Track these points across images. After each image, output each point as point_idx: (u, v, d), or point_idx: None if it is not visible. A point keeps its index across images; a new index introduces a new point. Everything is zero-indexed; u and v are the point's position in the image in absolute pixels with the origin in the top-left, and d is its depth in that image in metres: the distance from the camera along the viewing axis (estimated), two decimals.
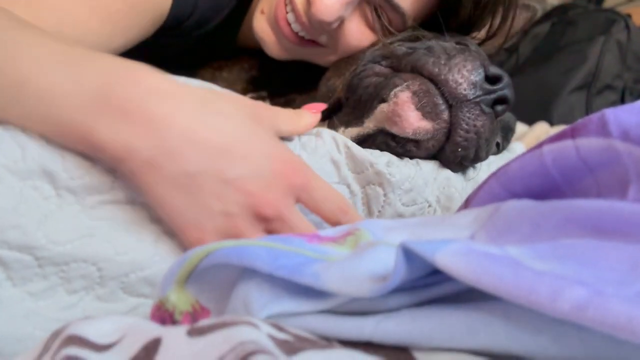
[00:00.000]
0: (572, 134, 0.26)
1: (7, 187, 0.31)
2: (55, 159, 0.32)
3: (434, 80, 0.43)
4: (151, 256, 0.34)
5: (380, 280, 0.19)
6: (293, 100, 0.67)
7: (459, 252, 0.18)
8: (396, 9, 0.54)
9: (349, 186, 0.43)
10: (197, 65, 0.74)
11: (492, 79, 0.43)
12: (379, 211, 0.44)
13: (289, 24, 0.58)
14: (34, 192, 0.32)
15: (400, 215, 0.44)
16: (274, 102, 0.70)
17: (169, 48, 0.65)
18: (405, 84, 0.44)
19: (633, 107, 0.24)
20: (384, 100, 0.46)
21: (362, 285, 0.19)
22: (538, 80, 1.07)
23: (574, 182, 0.25)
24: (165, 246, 0.35)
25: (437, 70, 0.43)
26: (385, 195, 0.43)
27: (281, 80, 0.74)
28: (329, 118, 0.54)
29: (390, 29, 0.56)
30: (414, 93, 0.43)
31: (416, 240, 0.19)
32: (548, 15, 1.23)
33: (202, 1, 0.58)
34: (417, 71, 0.44)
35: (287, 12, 0.58)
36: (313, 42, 0.60)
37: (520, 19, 0.69)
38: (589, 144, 0.25)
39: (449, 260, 0.17)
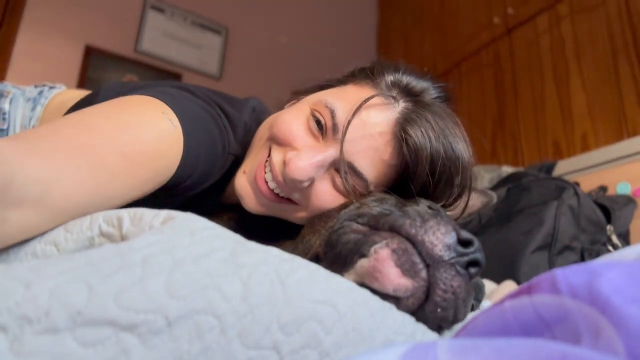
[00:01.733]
0: (528, 291, 0.28)
1: None
2: None
3: (411, 240, 0.46)
4: None
5: None
6: None
7: None
8: (359, 175, 0.61)
9: None
10: None
11: (463, 243, 0.46)
12: None
13: (266, 182, 0.64)
14: None
15: None
16: None
17: (160, 203, 0.67)
18: (385, 241, 0.46)
19: (580, 267, 0.27)
20: (364, 256, 0.47)
21: None
22: (501, 241, 1.13)
23: (534, 337, 0.26)
24: None
25: (414, 231, 0.46)
26: None
27: (257, 232, 0.77)
28: None
29: (356, 191, 0.62)
30: (394, 250, 0.45)
31: None
32: (504, 181, 1.35)
33: (201, 166, 0.62)
34: (395, 231, 0.47)
35: (265, 172, 0.64)
36: (287, 200, 0.65)
37: (477, 201, 0.77)
38: (543, 301, 0.26)
39: None
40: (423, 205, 0.57)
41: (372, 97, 0.62)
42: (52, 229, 0.46)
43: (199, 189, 0.66)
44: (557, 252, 1.06)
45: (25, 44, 2.52)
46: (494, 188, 1.35)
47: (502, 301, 0.30)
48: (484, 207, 0.80)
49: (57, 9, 2.64)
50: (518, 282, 0.95)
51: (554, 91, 2.24)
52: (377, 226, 0.50)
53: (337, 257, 0.51)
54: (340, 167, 0.61)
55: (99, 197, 0.48)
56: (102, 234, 0.45)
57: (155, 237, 0.39)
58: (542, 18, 2.38)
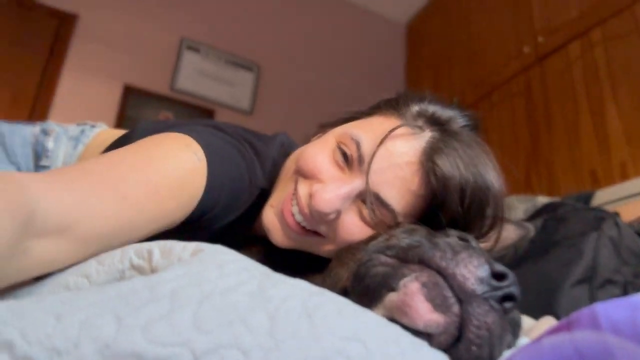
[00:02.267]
0: (568, 327, 0.26)
1: None
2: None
3: (442, 273, 0.44)
4: None
5: None
6: None
7: None
8: (386, 206, 0.60)
9: None
10: None
11: (497, 276, 0.44)
12: None
13: (293, 215, 0.64)
14: None
15: None
16: None
17: (187, 236, 0.69)
18: (414, 274, 0.45)
19: (622, 302, 0.26)
20: (392, 290, 0.46)
21: None
22: (538, 274, 1.09)
23: None
24: None
25: (444, 263, 0.44)
26: None
27: (285, 265, 0.76)
28: None
29: (384, 223, 0.61)
30: (423, 284, 0.44)
31: None
32: (539, 212, 1.31)
33: (225, 198, 0.63)
34: (424, 263, 0.46)
35: (292, 205, 0.64)
36: (314, 232, 0.65)
37: (513, 233, 0.74)
38: (584, 337, 0.25)
39: None
40: (454, 236, 0.55)
41: (398, 127, 0.62)
42: (83, 261, 0.47)
43: (224, 221, 0.67)
44: (598, 285, 1.01)
45: (68, 86, 2.66)
46: (529, 219, 1.31)
47: (540, 338, 0.28)
48: (520, 240, 0.77)
49: (98, 52, 2.79)
50: (557, 318, 0.91)
51: (588, 119, 2.19)
52: (407, 259, 0.49)
53: (365, 290, 0.50)
54: (366, 198, 0.61)
55: (122, 229, 0.49)
56: (133, 267, 0.46)
57: (184, 269, 0.40)
58: (574, 46, 2.35)
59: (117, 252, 0.47)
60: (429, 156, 0.60)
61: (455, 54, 3.27)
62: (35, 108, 2.48)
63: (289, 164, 0.70)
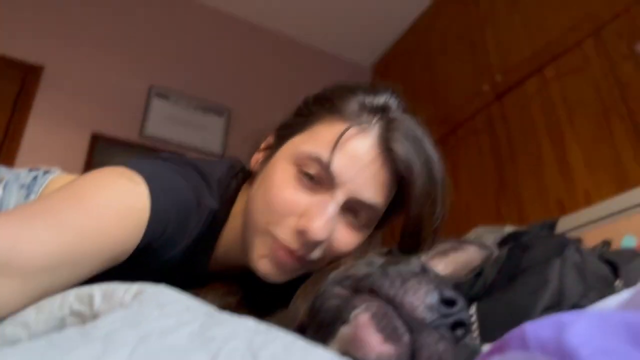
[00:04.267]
0: (500, 350, 0.26)
1: None
2: None
3: (391, 302, 0.44)
4: None
5: None
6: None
7: None
8: (369, 207, 0.64)
9: None
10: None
11: (447, 302, 0.44)
12: None
13: (291, 253, 0.63)
14: None
15: None
16: None
17: (141, 272, 0.66)
18: (364, 305, 0.45)
19: (549, 321, 0.26)
20: (345, 322, 0.46)
21: None
22: (508, 303, 1.08)
23: None
24: None
25: (392, 292, 0.44)
26: None
27: (258, 303, 0.74)
28: None
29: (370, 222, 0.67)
30: (373, 315, 0.44)
31: None
32: (504, 240, 1.32)
33: (172, 222, 0.62)
34: (375, 293, 0.46)
35: (287, 245, 0.64)
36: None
37: (477, 255, 0.75)
38: (515, 358, 0.25)
39: None
40: (416, 262, 0.55)
41: (347, 129, 0.64)
42: (23, 308, 0.45)
43: (176, 249, 0.65)
44: (566, 310, 1.01)
45: (34, 134, 2.62)
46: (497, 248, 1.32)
47: None
48: (485, 261, 0.78)
49: (65, 101, 2.78)
50: None
51: (550, 151, 2.26)
52: (359, 289, 0.49)
53: (320, 325, 0.49)
54: (348, 205, 0.64)
55: (66, 258, 0.48)
56: (73, 313, 0.44)
57: (122, 312, 0.38)
58: (531, 82, 2.45)
59: (57, 298, 0.45)
60: (386, 146, 0.64)
61: (420, 93, 3.37)
62: (1, 156, 2.43)
63: (258, 214, 0.66)
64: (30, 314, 0.44)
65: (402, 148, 0.64)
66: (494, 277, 1.19)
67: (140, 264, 0.62)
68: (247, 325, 0.40)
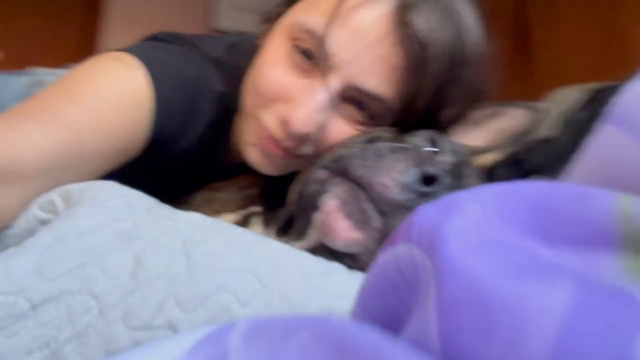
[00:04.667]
0: (392, 242, 0.19)
1: None
2: None
3: (360, 184, 0.37)
4: None
5: None
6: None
7: None
8: (373, 97, 0.50)
9: None
10: (195, 188, 0.74)
11: (428, 180, 0.36)
12: None
13: (278, 142, 0.54)
14: None
15: None
16: (267, 217, 0.67)
17: (161, 171, 0.65)
18: (335, 190, 0.38)
19: (444, 202, 0.18)
20: (317, 209, 0.40)
21: None
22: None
23: (407, 305, 0.17)
24: None
25: (362, 172, 0.37)
26: None
27: (278, 195, 0.71)
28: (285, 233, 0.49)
29: (377, 117, 0.52)
30: (342, 200, 0.37)
31: None
32: (592, 100, 1.12)
33: (178, 107, 0.56)
34: (346, 175, 0.39)
35: (271, 133, 0.54)
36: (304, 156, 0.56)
37: (522, 119, 0.61)
38: (402, 251, 0.18)
39: None
40: (424, 135, 0.46)
41: None
42: None
43: (190, 136, 0.61)
44: None
45: (108, 41, 2.71)
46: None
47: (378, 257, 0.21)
48: (533, 125, 0.64)
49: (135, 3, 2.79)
50: None
51: None
52: (337, 171, 0.42)
53: (301, 212, 0.44)
54: (348, 95, 0.51)
55: (66, 157, 0.45)
56: (41, 222, 0.43)
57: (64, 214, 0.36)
58: None
59: (24, 213, 0.43)
60: (401, 18, 0.49)
61: None
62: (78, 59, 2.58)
63: (247, 97, 0.58)
64: (5, 233, 0.44)
65: (421, 21, 0.48)
66: (571, 145, 1.03)
67: (155, 159, 0.60)
68: (190, 220, 0.36)
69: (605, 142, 0.17)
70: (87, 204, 0.36)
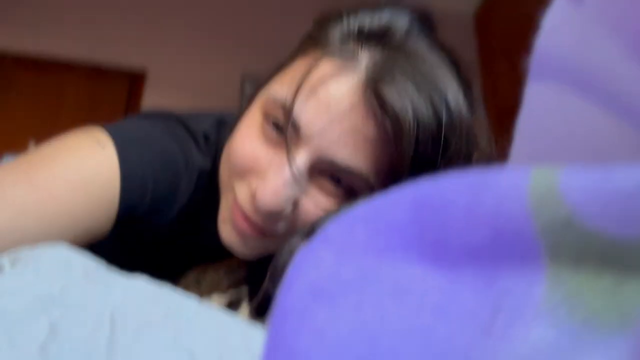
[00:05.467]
0: None
1: None
2: None
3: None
4: None
5: None
6: None
7: None
8: (347, 171, 0.46)
9: None
10: (183, 271, 0.70)
11: None
12: None
13: (247, 219, 0.50)
14: None
15: None
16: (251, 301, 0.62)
17: (146, 246, 0.61)
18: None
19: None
20: None
21: None
22: None
23: None
24: None
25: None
26: None
27: (262, 279, 0.66)
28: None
29: (356, 192, 0.48)
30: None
31: None
32: None
33: (151, 185, 0.53)
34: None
35: (243, 210, 0.51)
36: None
37: None
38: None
39: None
40: None
41: (315, 63, 0.47)
42: None
43: (169, 213, 0.58)
44: None
45: None
46: None
47: None
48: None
49: (169, 98, 2.97)
50: None
51: None
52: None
53: (276, 287, 0.39)
54: (320, 168, 0.47)
55: (11, 238, 0.43)
56: None
57: None
58: None
59: None
60: (373, 89, 0.45)
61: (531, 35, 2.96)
62: None
63: (223, 169, 0.55)
64: None
65: (393, 93, 0.44)
66: None
67: (134, 236, 0.56)
68: (131, 287, 0.32)
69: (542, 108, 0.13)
70: (22, 264, 0.32)
